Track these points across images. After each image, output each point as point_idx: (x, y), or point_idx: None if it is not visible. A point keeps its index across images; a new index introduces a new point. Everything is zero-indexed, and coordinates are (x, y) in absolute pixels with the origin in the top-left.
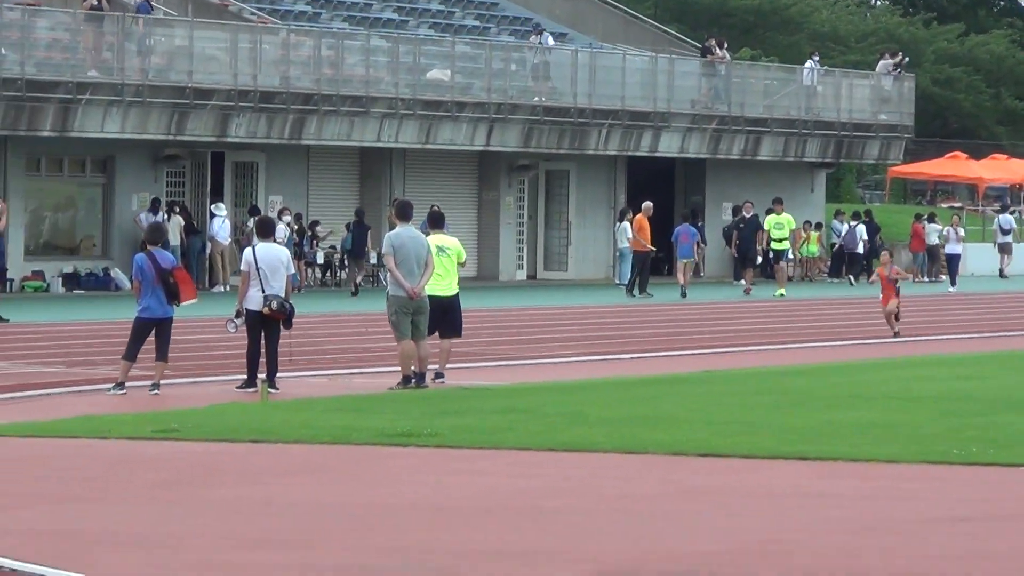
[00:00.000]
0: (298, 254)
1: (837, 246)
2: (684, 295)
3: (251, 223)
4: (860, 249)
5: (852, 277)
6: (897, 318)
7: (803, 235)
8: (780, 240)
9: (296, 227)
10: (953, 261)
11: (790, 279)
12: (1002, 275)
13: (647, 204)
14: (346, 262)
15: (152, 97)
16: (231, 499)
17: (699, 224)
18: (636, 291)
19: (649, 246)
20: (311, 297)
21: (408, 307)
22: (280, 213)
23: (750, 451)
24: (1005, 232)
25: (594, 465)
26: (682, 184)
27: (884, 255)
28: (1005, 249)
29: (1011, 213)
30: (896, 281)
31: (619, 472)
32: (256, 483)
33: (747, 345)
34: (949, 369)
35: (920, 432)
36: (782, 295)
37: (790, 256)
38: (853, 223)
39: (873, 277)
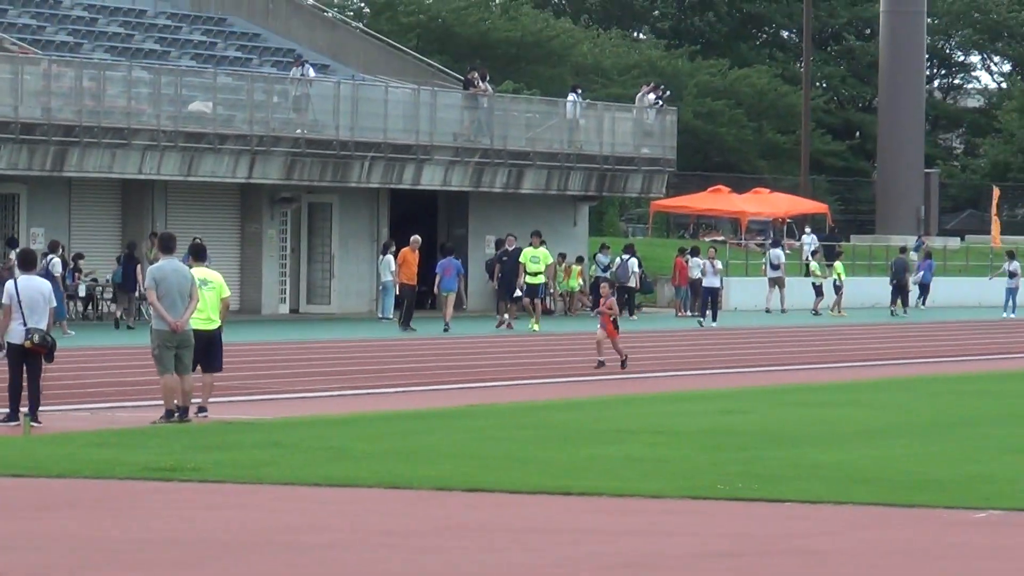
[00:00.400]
0: (64, 287)
1: (597, 280)
2: (447, 329)
3: (12, 255)
4: (632, 283)
5: (627, 311)
6: (613, 349)
7: (560, 269)
8: (535, 274)
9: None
10: (712, 295)
11: (551, 312)
12: (768, 311)
13: (415, 238)
14: (114, 295)
15: None
16: None
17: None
18: (402, 325)
19: (413, 280)
20: (74, 329)
21: (172, 340)
22: (52, 247)
23: (516, 486)
24: (775, 267)
25: (358, 500)
26: (445, 217)
27: (604, 287)
28: (777, 283)
29: (780, 247)
30: (612, 314)
31: (383, 507)
32: (18, 518)
33: (510, 379)
34: (712, 403)
35: (684, 467)
36: (535, 330)
37: (549, 290)
38: (625, 256)
39: (595, 311)
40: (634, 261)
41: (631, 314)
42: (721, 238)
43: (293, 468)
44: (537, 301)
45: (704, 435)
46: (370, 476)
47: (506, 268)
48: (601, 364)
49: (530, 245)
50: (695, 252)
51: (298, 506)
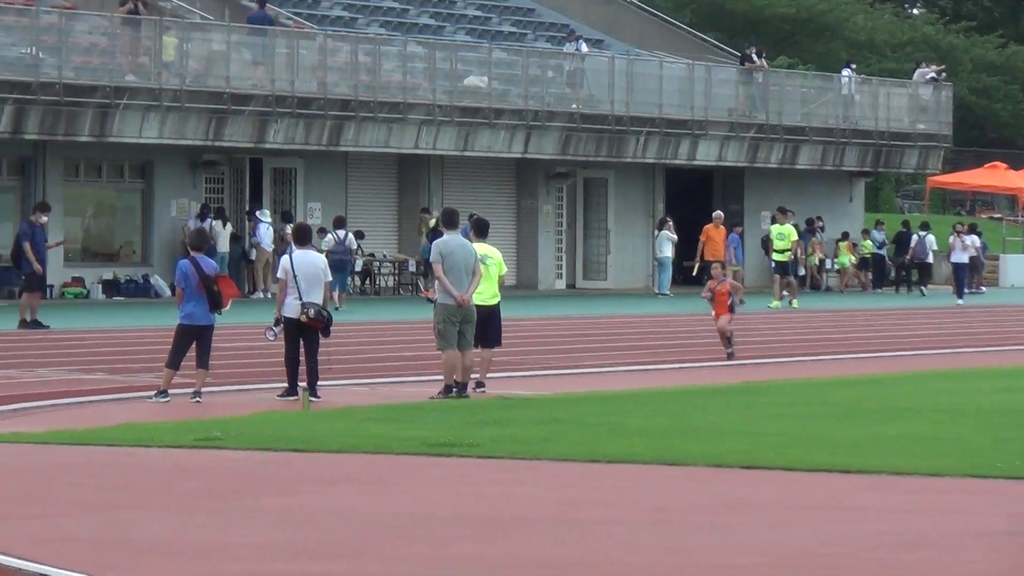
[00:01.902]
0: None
1: (879, 256)
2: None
3: (288, 229)
4: (930, 259)
5: (923, 288)
6: (730, 339)
7: (842, 247)
8: (782, 251)
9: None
10: (958, 270)
11: (828, 289)
12: None
13: (718, 213)
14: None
15: (190, 102)
16: (272, 508)
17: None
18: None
19: (720, 255)
20: (352, 305)
21: (456, 316)
22: (337, 223)
23: (792, 463)
24: None
25: (634, 476)
26: (720, 193)
27: (715, 268)
28: None
29: None
30: (730, 296)
31: (659, 484)
32: (297, 493)
33: (790, 356)
34: (992, 382)
35: (965, 446)
36: (773, 306)
37: (805, 268)
38: (923, 233)
39: (705, 291)
40: (932, 238)
41: (923, 291)
42: (998, 215)
43: (570, 444)
44: (789, 278)
45: (985, 414)
46: (647, 452)
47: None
48: (730, 355)
49: (774, 221)
50: (972, 229)
51: (575, 482)
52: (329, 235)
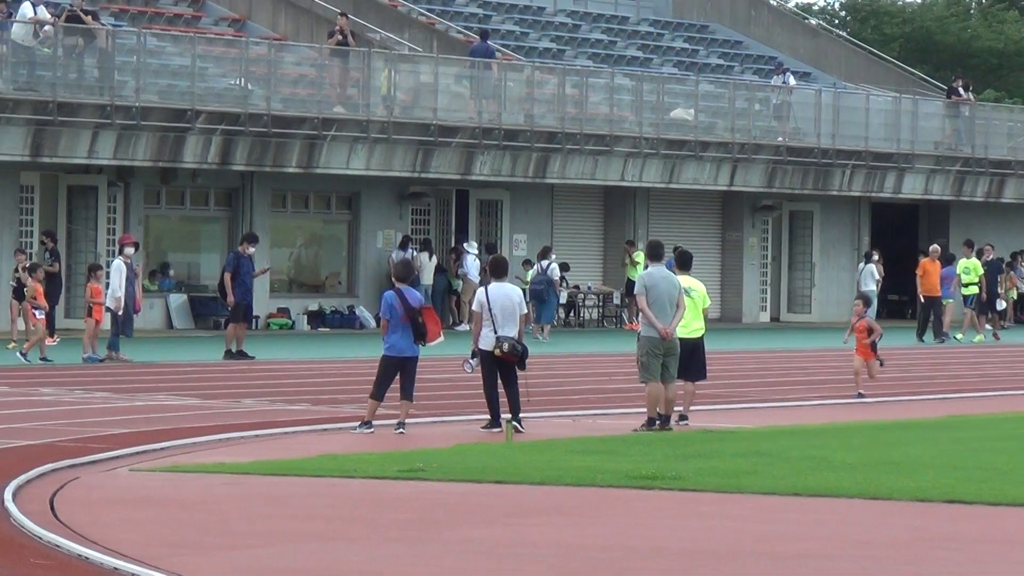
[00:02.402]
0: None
1: None
2: (943, 339)
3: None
4: None
5: None
6: (870, 375)
7: (1018, 280)
8: (967, 285)
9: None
10: None
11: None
12: None
13: (934, 247)
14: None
15: (397, 134)
16: (476, 540)
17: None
18: (927, 336)
19: (936, 291)
20: (555, 337)
21: (659, 348)
22: (543, 254)
23: (996, 498)
24: None
25: (836, 510)
26: (927, 226)
27: (857, 304)
28: None
29: None
30: (870, 336)
31: (861, 518)
32: (501, 524)
33: (993, 390)
34: None
35: None
36: (959, 339)
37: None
38: None
39: (848, 334)
40: None
41: None
42: None
43: (774, 477)
44: (968, 311)
45: None
46: (851, 486)
47: (986, 278)
48: (860, 396)
49: (963, 256)
50: None
51: (778, 515)
52: (536, 266)
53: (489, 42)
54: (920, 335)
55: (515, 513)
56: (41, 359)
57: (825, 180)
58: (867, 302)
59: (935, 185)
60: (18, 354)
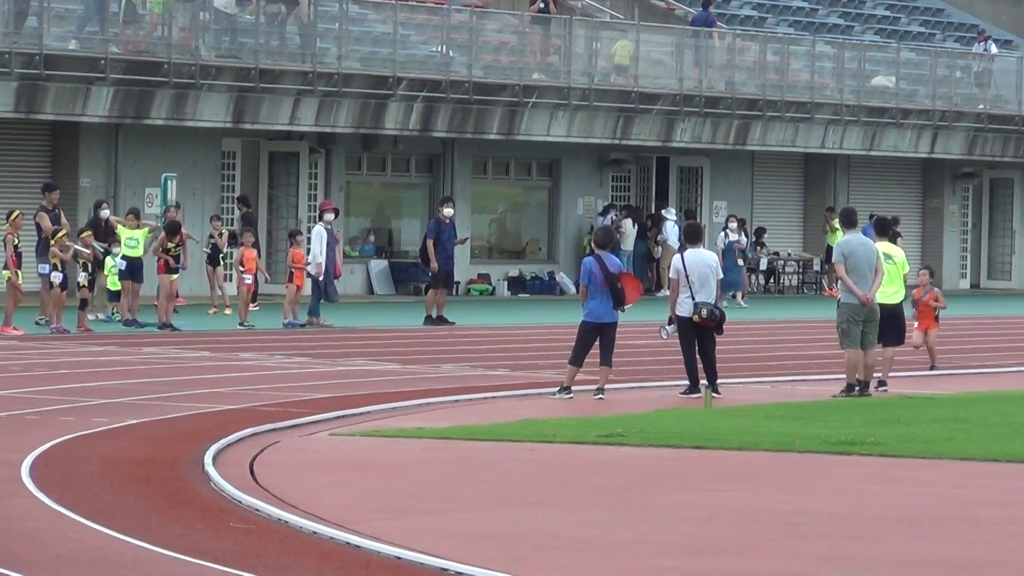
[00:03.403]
0: (744, 262)
1: None
2: None
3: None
4: None
5: None
6: (931, 352)
7: None
8: None
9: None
10: None
11: None
12: None
13: None
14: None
15: (598, 101)
16: (674, 505)
17: None
18: None
19: None
20: (755, 303)
21: (859, 315)
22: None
23: None
24: None
25: None
26: None
27: (923, 275)
28: None
29: None
30: (936, 308)
31: None
32: (699, 489)
33: None
34: None
35: None
36: None
37: None
38: None
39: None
40: None
41: None
42: None
43: (973, 443)
44: None
45: None
46: None
47: None
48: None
49: None
50: None
51: (978, 481)
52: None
53: (711, 10)
54: None
55: (713, 479)
56: (242, 324)
57: None
58: (931, 272)
59: None
60: (241, 323)
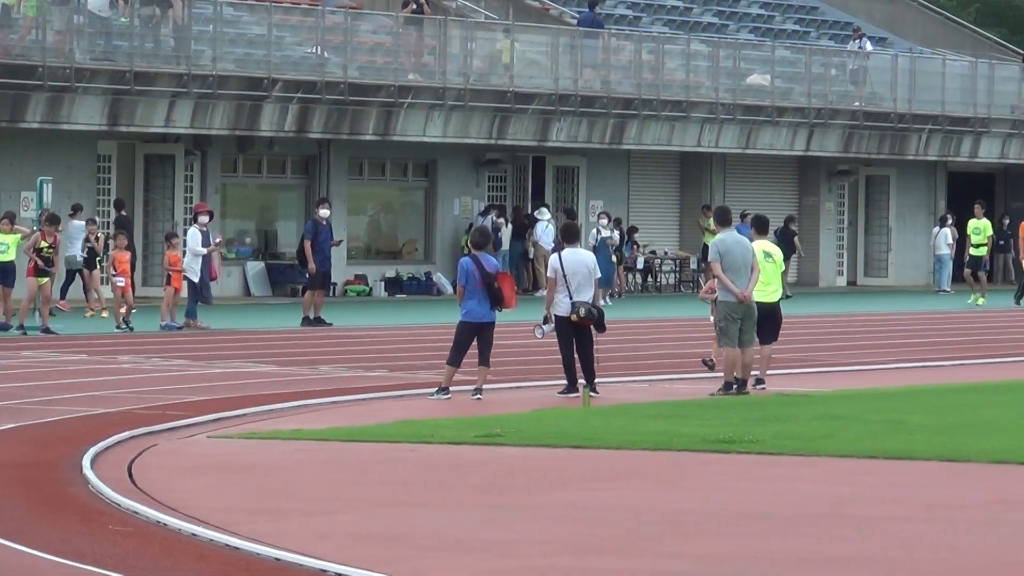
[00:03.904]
0: (618, 259)
1: None
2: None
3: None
4: None
5: None
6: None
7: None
8: (978, 246)
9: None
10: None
11: None
12: None
13: None
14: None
15: (474, 101)
16: (553, 504)
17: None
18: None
19: None
20: (632, 302)
21: (737, 312)
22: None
23: None
24: None
25: (913, 473)
26: (1003, 191)
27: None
28: None
29: None
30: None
31: (939, 480)
32: (579, 489)
33: None
34: None
35: None
36: (979, 304)
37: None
38: None
39: (705, 291)
40: None
41: None
42: None
43: (850, 440)
44: (980, 274)
45: None
46: (927, 449)
47: None
48: None
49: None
50: None
51: (855, 478)
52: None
53: (597, 10)
54: (1019, 299)
55: (593, 477)
56: (118, 327)
57: (902, 145)
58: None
59: (1012, 150)
60: (117, 326)
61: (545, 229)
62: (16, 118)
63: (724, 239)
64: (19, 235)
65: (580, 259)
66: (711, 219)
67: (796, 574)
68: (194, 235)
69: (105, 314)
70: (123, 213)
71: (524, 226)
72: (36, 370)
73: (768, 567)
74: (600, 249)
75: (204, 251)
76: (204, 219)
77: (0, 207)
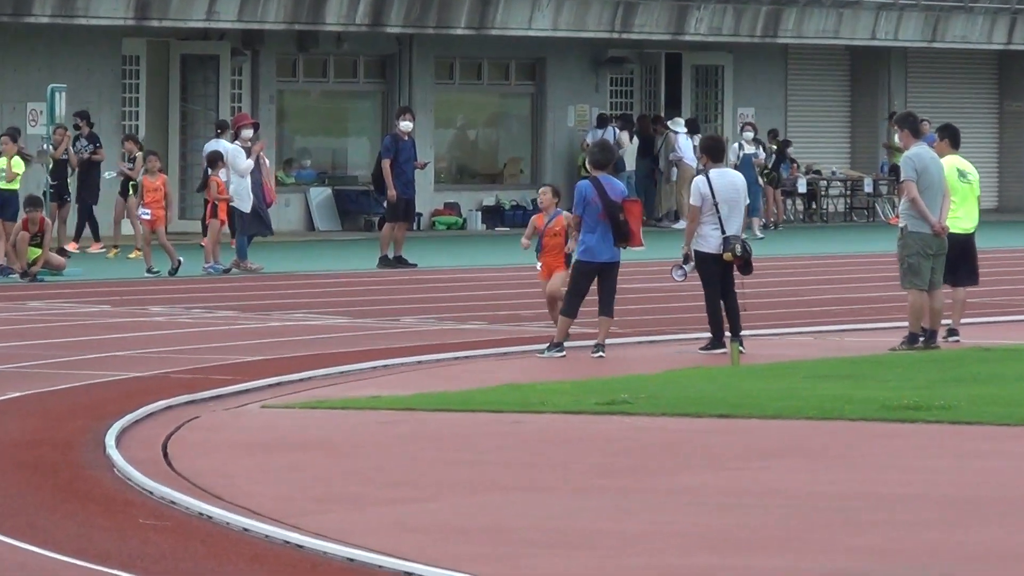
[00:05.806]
0: (773, 181)
1: None
2: None
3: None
4: None
5: None
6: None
7: None
8: None
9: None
10: None
11: None
12: None
13: None
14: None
15: None
16: (694, 488)
17: None
18: None
19: None
20: (789, 234)
21: (931, 247)
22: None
23: None
24: None
25: None
26: None
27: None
28: None
29: None
30: None
31: None
32: (725, 468)
33: None
34: None
35: None
36: None
37: None
38: None
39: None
40: None
41: None
42: None
43: None
44: None
45: None
46: None
47: None
48: None
49: None
50: None
51: None
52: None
53: None
54: None
55: (743, 455)
56: (149, 271)
57: None
58: None
59: None
60: (146, 272)
61: (686, 142)
62: (21, 11)
63: (921, 154)
64: (23, 158)
65: (730, 180)
66: (894, 132)
67: (988, 570)
68: (236, 151)
69: (135, 254)
70: (91, 127)
71: (653, 140)
72: (47, 324)
73: (962, 566)
74: (745, 170)
75: (250, 163)
76: (248, 133)
77: (2, 122)
